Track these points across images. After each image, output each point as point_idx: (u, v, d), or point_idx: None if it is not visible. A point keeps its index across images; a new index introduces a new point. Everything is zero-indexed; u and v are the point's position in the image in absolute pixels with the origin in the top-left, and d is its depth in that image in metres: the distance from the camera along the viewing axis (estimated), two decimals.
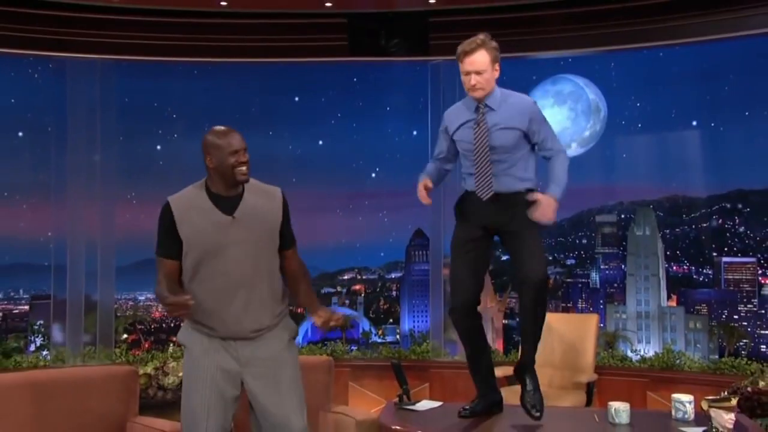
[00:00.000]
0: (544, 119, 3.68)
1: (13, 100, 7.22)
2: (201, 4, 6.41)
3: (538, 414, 3.54)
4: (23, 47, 6.44)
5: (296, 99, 7.80)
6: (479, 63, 3.56)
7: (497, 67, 3.62)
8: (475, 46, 3.57)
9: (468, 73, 3.58)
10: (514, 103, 3.64)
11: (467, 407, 3.74)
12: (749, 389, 5.10)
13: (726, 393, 4.25)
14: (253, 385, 3.22)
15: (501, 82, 3.72)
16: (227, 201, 3.22)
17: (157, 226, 3.24)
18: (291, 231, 3.37)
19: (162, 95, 7.55)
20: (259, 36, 6.71)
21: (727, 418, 3.19)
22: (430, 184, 3.73)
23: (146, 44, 6.57)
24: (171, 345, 6.98)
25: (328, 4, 6.32)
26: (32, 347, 7.04)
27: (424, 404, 3.90)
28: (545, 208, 3.46)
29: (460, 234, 3.76)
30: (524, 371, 3.67)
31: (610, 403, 3.54)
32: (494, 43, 3.62)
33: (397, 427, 3.45)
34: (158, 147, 7.65)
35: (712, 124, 6.98)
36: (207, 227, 3.17)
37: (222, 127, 3.24)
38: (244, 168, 3.19)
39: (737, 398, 3.72)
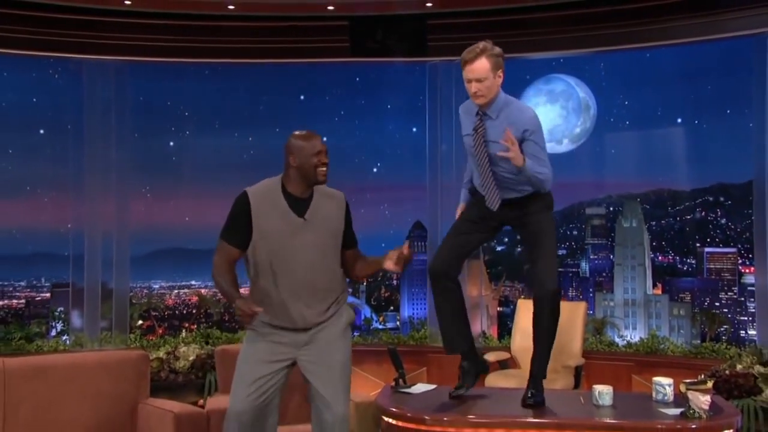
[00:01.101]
0: (538, 133, 3.44)
1: (34, 100, 7.25)
2: (210, 8, 6.41)
3: (531, 402, 3.50)
4: (44, 50, 6.47)
5: (301, 98, 7.79)
6: (479, 71, 3.37)
7: (500, 73, 3.41)
8: (474, 55, 3.38)
9: (469, 81, 3.40)
10: (511, 114, 3.43)
11: (458, 389, 3.68)
12: (727, 372, 5.13)
13: (703, 376, 4.25)
14: (306, 367, 3.28)
15: None
16: (300, 202, 3.26)
17: (230, 213, 3.26)
18: (353, 232, 3.42)
19: (174, 94, 7.56)
20: (266, 38, 6.71)
21: (703, 400, 3.20)
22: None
23: (159, 46, 6.58)
24: (183, 331, 7.03)
25: (331, 8, 6.31)
26: (53, 332, 7.08)
27: (419, 387, 3.90)
28: (514, 149, 3.28)
29: (467, 212, 3.70)
30: (533, 381, 3.55)
31: (594, 386, 3.54)
32: (497, 50, 3.41)
33: (393, 409, 3.46)
34: (171, 143, 7.66)
35: (696, 122, 6.98)
36: (280, 226, 3.21)
37: (304, 131, 3.30)
38: (324, 169, 3.26)
39: (714, 381, 3.72)
